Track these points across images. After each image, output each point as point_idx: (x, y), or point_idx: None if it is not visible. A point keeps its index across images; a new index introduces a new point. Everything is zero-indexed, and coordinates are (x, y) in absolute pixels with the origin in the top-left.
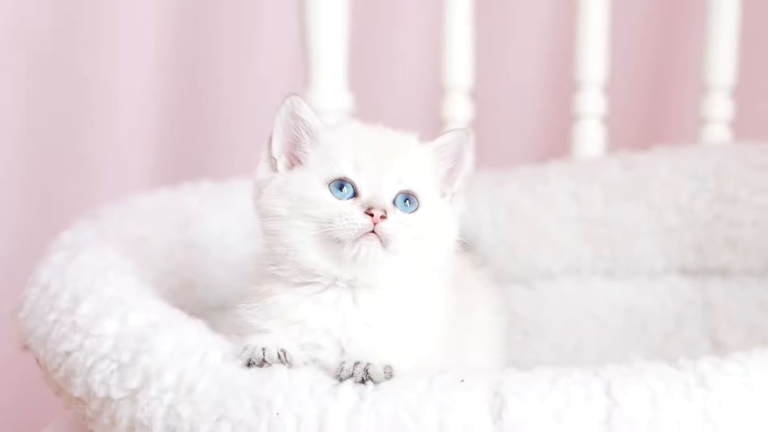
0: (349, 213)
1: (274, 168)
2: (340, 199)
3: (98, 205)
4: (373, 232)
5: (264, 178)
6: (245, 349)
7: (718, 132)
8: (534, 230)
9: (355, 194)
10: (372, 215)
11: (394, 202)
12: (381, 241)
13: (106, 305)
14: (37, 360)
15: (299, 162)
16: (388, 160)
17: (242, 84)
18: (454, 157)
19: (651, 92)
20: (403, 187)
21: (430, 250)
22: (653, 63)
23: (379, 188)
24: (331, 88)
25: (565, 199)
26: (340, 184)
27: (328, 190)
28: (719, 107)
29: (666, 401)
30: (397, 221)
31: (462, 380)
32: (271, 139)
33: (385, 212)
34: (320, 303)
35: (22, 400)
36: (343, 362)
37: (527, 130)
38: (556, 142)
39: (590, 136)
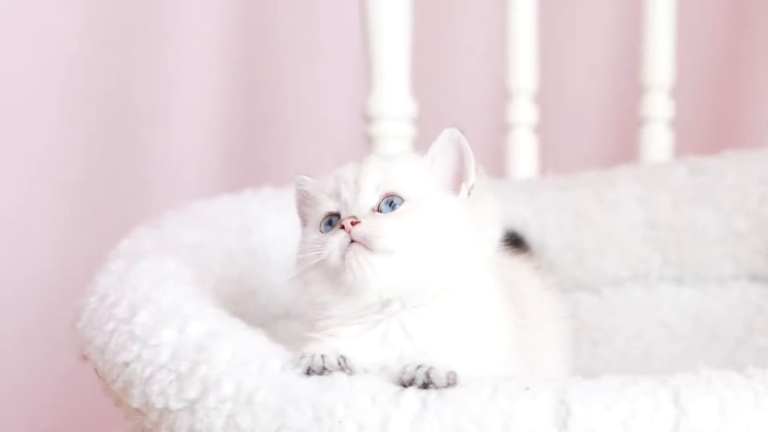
0: (327, 238)
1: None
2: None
3: (158, 213)
4: (353, 241)
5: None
6: (303, 356)
7: None
8: (601, 236)
9: None
10: (344, 227)
11: (380, 209)
12: (364, 245)
13: (165, 314)
14: (96, 370)
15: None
16: (360, 175)
17: (304, 90)
18: (455, 154)
19: (719, 96)
20: (383, 191)
21: (436, 244)
22: (721, 66)
23: (354, 202)
24: (393, 94)
25: (632, 204)
26: (328, 220)
27: (320, 232)
28: None
29: (735, 410)
30: (372, 222)
31: (527, 388)
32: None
33: (356, 218)
34: (372, 341)
35: (83, 411)
36: (406, 365)
37: (593, 134)
38: (622, 146)
39: (657, 140)
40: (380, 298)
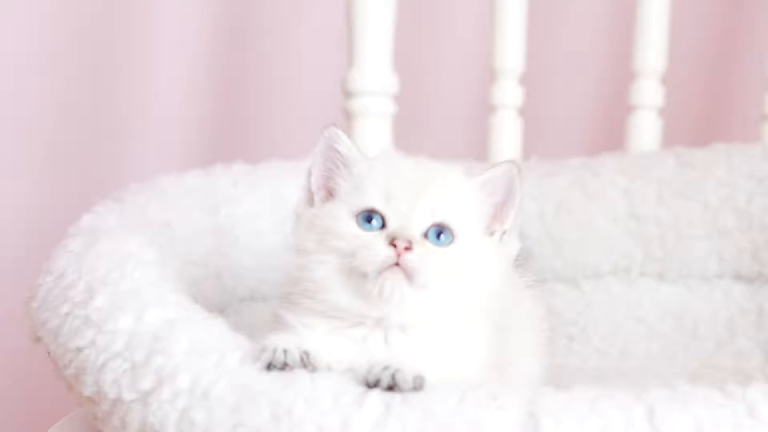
0: (372, 244)
1: (311, 202)
2: (367, 231)
3: (124, 187)
4: (397, 264)
5: (300, 213)
6: (264, 350)
7: None
8: (583, 226)
9: (383, 226)
10: (396, 246)
11: (426, 236)
12: (406, 275)
13: (122, 300)
14: (49, 354)
15: (332, 195)
16: (420, 190)
17: (283, 63)
18: (504, 192)
19: (711, 85)
20: (437, 219)
21: (466, 288)
22: (714, 55)
23: (408, 219)
24: (374, 69)
25: (616, 194)
26: (369, 215)
27: (355, 221)
28: None
29: (711, 430)
30: (423, 253)
31: (495, 398)
32: (310, 173)
33: (411, 243)
34: (348, 338)
35: (38, 393)
36: (372, 366)
37: (579, 119)
38: (609, 133)
39: (646, 128)
40: (388, 317)
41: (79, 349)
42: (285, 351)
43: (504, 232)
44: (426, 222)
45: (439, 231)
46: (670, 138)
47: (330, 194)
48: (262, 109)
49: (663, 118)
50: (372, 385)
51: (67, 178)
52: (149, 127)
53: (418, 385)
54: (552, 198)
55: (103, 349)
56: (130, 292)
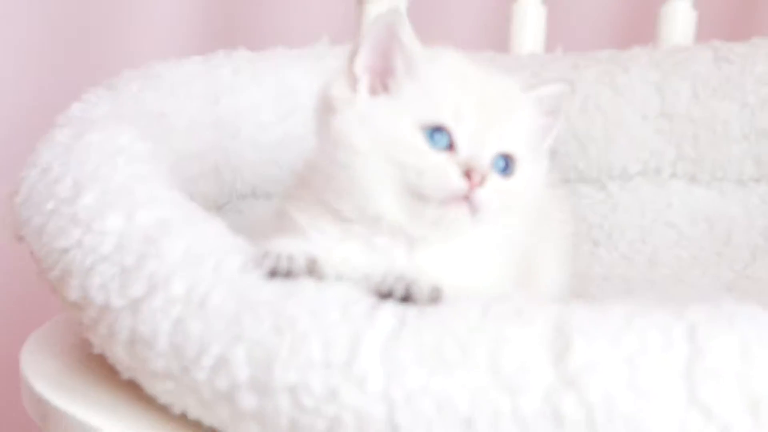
0: (444, 170)
1: (352, 87)
2: (432, 147)
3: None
4: (466, 197)
5: (340, 97)
6: (266, 255)
7: None
8: (611, 124)
9: (450, 146)
10: (470, 178)
11: (491, 164)
12: (471, 209)
13: (112, 196)
14: (32, 254)
15: (385, 89)
16: (492, 113)
17: None
18: (552, 112)
19: None
20: (503, 148)
21: (515, 219)
22: None
23: (481, 146)
24: None
25: (647, 90)
26: (436, 130)
27: (421, 134)
28: None
29: (758, 353)
30: (493, 189)
31: (520, 313)
32: (354, 53)
33: (483, 178)
34: (369, 246)
35: (19, 296)
36: (386, 275)
37: (608, 9)
38: (639, 24)
39: (679, 20)
40: (428, 238)
41: (65, 250)
42: (290, 257)
43: (540, 153)
44: (494, 150)
45: (505, 161)
46: (706, 32)
47: (376, 86)
48: None
49: (698, 9)
50: (385, 296)
51: (57, 63)
52: (146, 10)
53: (434, 298)
54: (578, 93)
55: (91, 250)
56: (120, 188)
